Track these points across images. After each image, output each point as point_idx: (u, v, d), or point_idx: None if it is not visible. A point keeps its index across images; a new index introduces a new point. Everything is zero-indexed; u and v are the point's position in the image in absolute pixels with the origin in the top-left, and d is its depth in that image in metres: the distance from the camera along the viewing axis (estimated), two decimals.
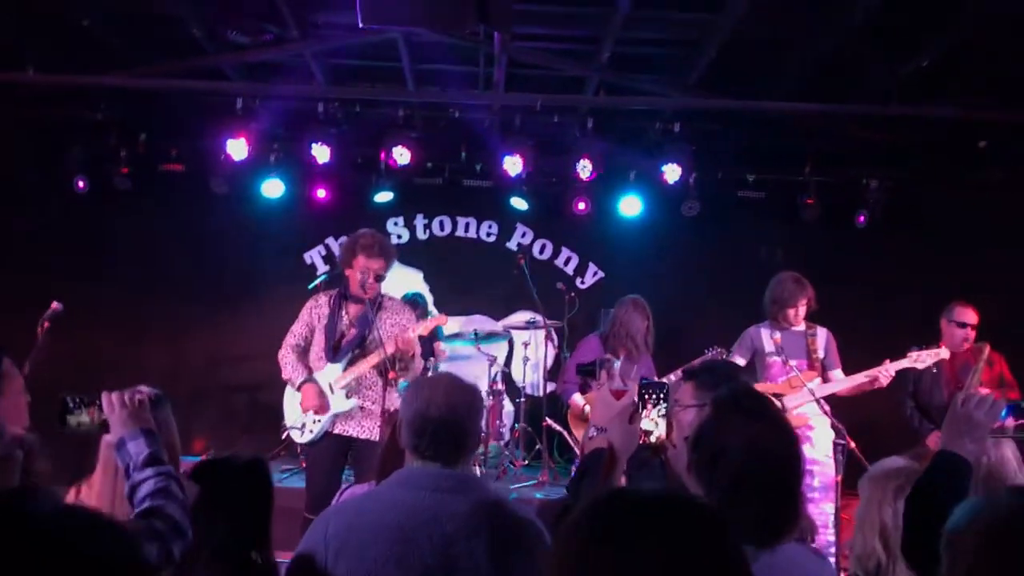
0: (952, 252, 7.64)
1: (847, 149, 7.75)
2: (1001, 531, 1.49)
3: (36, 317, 5.63)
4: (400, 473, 2.39)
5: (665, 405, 2.45)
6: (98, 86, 6.90)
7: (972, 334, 5.81)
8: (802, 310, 5.72)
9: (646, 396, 2.44)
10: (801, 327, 5.73)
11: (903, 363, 5.40)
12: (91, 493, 2.44)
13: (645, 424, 2.41)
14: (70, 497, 2.49)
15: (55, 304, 5.64)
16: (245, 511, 2.50)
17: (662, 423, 2.43)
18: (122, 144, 7.67)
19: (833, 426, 4.93)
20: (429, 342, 7.05)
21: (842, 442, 4.78)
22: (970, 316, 5.82)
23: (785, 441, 1.95)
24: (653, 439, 2.43)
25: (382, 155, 7.44)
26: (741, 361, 5.82)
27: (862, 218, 7.74)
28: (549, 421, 6.98)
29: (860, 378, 5.45)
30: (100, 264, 7.95)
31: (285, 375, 5.18)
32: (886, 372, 5.36)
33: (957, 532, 1.55)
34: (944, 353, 5.44)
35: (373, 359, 4.95)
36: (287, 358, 5.16)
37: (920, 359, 5.39)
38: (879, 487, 2.38)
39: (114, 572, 1.08)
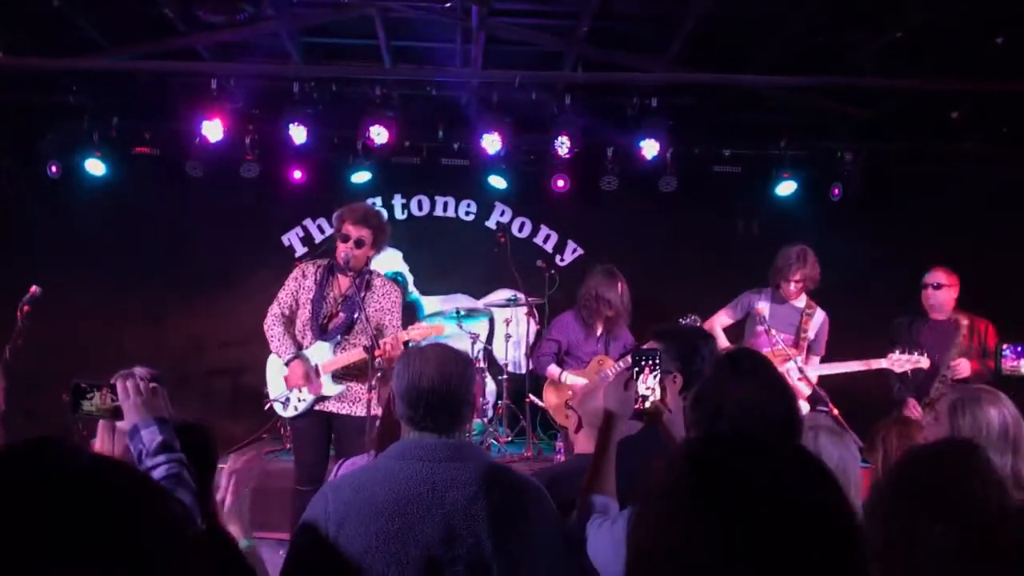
0: (927, 223, 7.72)
1: (822, 122, 7.80)
2: None
3: (15, 302, 5.58)
4: (396, 445, 2.39)
5: (659, 371, 2.49)
6: (70, 69, 6.80)
7: (943, 295, 5.77)
8: (795, 286, 5.71)
9: (641, 363, 2.48)
10: (801, 303, 5.75)
11: (881, 363, 5.49)
12: None
13: (640, 390, 2.45)
14: None
15: (34, 288, 5.59)
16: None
17: (657, 388, 2.47)
18: (95, 128, 7.56)
19: (815, 395, 5.00)
20: (410, 321, 7.05)
21: (825, 409, 4.84)
22: (938, 276, 5.80)
23: (782, 399, 1.99)
24: (648, 404, 2.46)
25: (359, 134, 7.37)
26: (727, 319, 5.85)
27: (836, 191, 7.80)
28: (532, 398, 6.99)
29: (840, 367, 5.52)
30: (77, 249, 7.85)
31: (273, 348, 5.14)
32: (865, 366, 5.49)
33: None
34: (924, 363, 5.46)
35: (360, 352, 4.92)
36: (273, 330, 5.11)
37: (898, 363, 5.45)
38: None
39: (152, 525, 1.00)
